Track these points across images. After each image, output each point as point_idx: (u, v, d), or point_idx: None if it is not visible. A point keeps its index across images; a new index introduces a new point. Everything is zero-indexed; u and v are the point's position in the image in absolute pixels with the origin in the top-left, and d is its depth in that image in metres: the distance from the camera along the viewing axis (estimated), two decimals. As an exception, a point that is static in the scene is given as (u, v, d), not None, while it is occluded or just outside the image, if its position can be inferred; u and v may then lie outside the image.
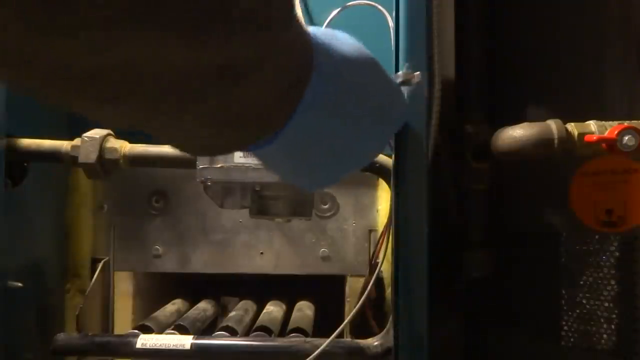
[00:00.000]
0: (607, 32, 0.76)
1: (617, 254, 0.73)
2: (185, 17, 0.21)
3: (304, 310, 0.90)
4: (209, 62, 0.23)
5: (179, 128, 0.28)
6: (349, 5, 0.76)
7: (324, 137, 0.34)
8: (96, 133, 0.68)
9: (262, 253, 0.86)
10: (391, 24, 0.63)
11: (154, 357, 0.69)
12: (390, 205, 0.65)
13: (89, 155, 0.67)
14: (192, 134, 0.29)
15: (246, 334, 0.78)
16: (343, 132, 0.35)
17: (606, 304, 0.73)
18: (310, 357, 0.65)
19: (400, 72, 0.54)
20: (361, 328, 0.76)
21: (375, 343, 0.68)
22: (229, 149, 0.32)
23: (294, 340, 0.70)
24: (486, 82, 0.85)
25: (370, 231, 0.85)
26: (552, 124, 0.67)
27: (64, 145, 0.69)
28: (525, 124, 0.70)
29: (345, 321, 0.68)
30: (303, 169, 0.36)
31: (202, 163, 0.64)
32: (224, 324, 0.78)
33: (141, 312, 0.88)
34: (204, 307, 0.91)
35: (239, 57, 0.24)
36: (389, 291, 0.80)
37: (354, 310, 0.69)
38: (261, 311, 0.89)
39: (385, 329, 0.68)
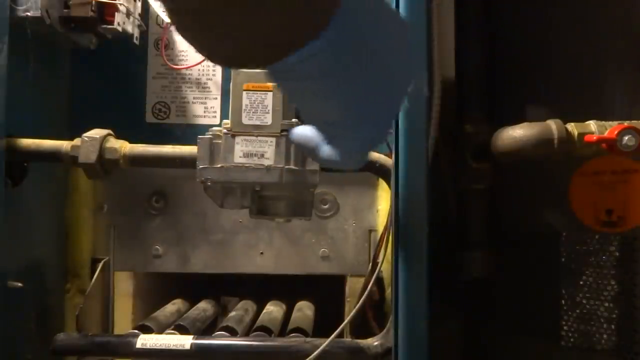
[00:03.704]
0: (607, 32, 0.76)
1: (617, 254, 0.73)
2: None
3: (304, 310, 0.90)
4: None
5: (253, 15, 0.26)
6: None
7: (366, 44, 0.32)
8: (96, 133, 0.68)
9: (262, 253, 0.86)
10: (391, 24, 0.63)
11: (154, 357, 0.69)
12: (390, 205, 0.65)
13: (89, 155, 0.67)
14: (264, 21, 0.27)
15: (246, 334, 0.78)
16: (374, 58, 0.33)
17: (606, 304, 0.73)
18: (310, 357, 0.65)
19: None
20: (361, 328, 0.76)
21: (375, 343, 0.68)
22: (296, 42, 0.29)
23: (294, 340, 0.70)
24: (486, 82, 0.85)
25: (370, 231, 0.85)
26: (552, 124, 0.67)
27: (64, 145, 0.69)
28: (525, 124, 0.70)
29: (345, 321, 0.68)
30: (350, 78, 0.32)
31: (202, 163, 0.64)
32: (224, 324, 0.78)
33: (141, 312, 0.88)
34: (204, 307, 0.91)
35: None
36: (389, 291, 0.80)
37: (354, 311, 0.69)
38: (261, 311, 0.89)
39: (385, 329, 0.68)
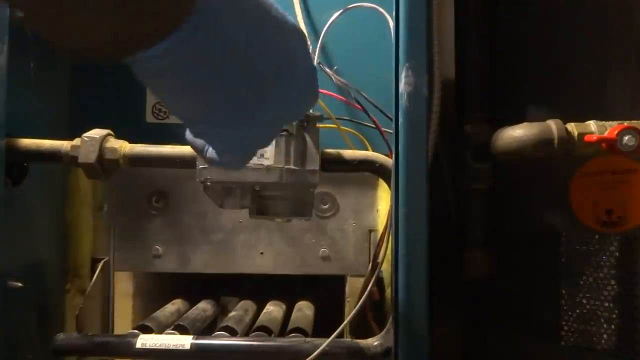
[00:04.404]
0: (607, 32, 0.76)
1: (617, 254, 0.73)
2: None
3: (304, 310, 0.90)
4: None
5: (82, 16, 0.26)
6: (350, 7, 0.76)
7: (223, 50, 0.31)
8: (96, 133, 0.68)
9: (262, 253, 0.86)
10: (391, 25, 0.63)
11: (154, 357, 0.69)
12: (390, 205, 0.65)
13: (89, 155, 0.67)
14: (96, 21, 0.26)
15: (246, 334, 0.78)
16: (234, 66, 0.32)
17: (606, 304, 0.73)
18: (310, 357, 0.65)
19: None
20: (361, 328, 0.76)
21: (375, 343, 0.68)
22: (136, 43, 0.29)
23: (293, 340, 0.70)
24: (486, 82, 0.85)
25: (370, 231, 0.85)
26: (552, 124, 0.67)
27: (64, 145, 0.69)
28: (525, 124, 0.70)
29: (346, 321, 0.68)
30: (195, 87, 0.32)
31: (202, 163, 0.64)
32: (224, 324, 0.78)
33: (141, 312, 0.88)
34: (204, 307, 0.91)
35: None
36: (389, 291, 0.80)
37: (354, 311, 0.69)
38: (261, 311, 0.89)
39: (385, 329, 0.68)
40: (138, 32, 0.28)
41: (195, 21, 0.29)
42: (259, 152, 0.63)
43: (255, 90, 0.34)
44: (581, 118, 0.67)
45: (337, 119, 0.79)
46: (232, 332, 0.75)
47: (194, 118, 0.35)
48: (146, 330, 0.75)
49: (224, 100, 0.34)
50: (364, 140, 0.81)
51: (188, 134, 0.40)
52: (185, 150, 0.68)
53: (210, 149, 0.39)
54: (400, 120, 0.59)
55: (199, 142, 0.40)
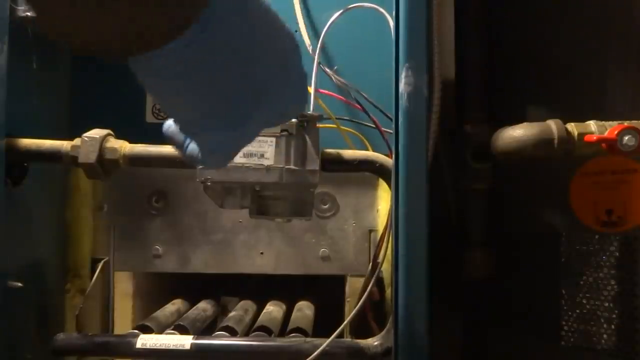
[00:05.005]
0: (607, 32, 0.76)
1: (617, 254, 0.73)
2: None
3: (304, 310, 0.90)
4: None
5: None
6: (350, 7, 0.76)
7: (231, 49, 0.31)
8: (96, 133, 0.68)
9: (262, 253, 0.86)
10: (391, 25, 0.63)
11: (154, 357, 0.69)
12: (390, 205, 0.65)
13: (89, 155, 0.67)
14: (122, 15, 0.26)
15: (246, 334, 0.78)
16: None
17: (606, 304, 0.73)
18: (310, 357, 0.65)
19: None
20: (361, 328, 0.76)
21: (375, 343, 0.68)
22: (149, 42, 0.29)
23: (294, 340, 0.70)
24: (486, 82, 0.85)
25: (370, 231, 0.85)
26: (552, 124, 0.67)
27: (64, 145, 0.69)
28: (525, 124, 0.70)
29: (346, 321, 0.68)
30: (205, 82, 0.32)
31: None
32: (224, 324, 0.78)
33: (141, 312, 0.88)
34: (204, 307, 0.91)
35: None
36: (389, 291, 0.80)
37: (354, 311, 0.69)
38: (261, 311, 0.89)
39: (385, 329, 0.68)
40: (152, 30, 0.28)
41: (204, 21, 0.29)
42: (259, 152, 0.63)
43: (253, 92, 0.34)
44: (581, 118, 0.67)
45: (337, 119, 0.79)
46: (232, 332, 0.75)
47: (190, 119, 0.35)
48: (146, 330, 0.75)
49: (223, 102, 0.34)
50: (364, 140, 0.81)
51: (167, 128, 0.39)
52: (185, 150, 0.68)
53: (191, 145, 0.38)
54: (400, 120, 0.59)
55: (179, 137, 0.39)
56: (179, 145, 0.39)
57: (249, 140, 0.39)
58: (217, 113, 0.34)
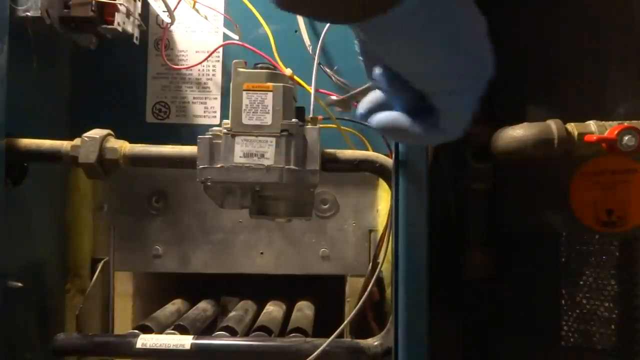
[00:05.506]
0: (607, 32, 0.76)
1: (617, 254, 0.73)
2: None
3: (304, 310, 0.90)
4: None
5: None
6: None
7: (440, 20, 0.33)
8: (96, 133, 0.68)
9: (262, 253, 0.86)
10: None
11: (154, 357, 0.69)
12: (390, 205, 0.65)
13: (89, 155, 0.67)
14: None
15: (246, 334, 0.78)
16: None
17: (606, 304, 0.73)
18: (311, 357, 0.65)
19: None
20: (361, 328, 0.76)
21: (375, 343, 0.68)
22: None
23: (294, 340, 0.70)
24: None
25: (370, 231, 0.85)
26: (552, 124, 0.67)
27: (64, 145, 0.69)
28: (525, 124, 0.70)
29: (346, 321, 0.68)
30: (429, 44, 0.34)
31: (202, 163, 0.64)
32: (224, 324, 0.78)
33: (141, 312, 0.88)
34: (204, 307, 0.91)
35: None
36: (389, 291, 0.80)
37: (354, 311, 0.69)
38: (261, 311, 0.89)
39: (385, 329, 0.68)
40: None
41: None
42: (259, 152, 0.63)
43: (477, 50, 0.38)
44: (581, 118, 0.67)
45: (337, 119, 0.79)
46: (232, 332, 0.75)
47: (438, 72, 0.36)
48: (146, 330, 0.75)
49: (457, 57, 0.36)
50: (364, 140, 0.81)
51: (379, 118, 0.39)
52: (185, 150, 0.68)
53: (418, 123, 0.39)
54: (400, 120, 0.59)
55: (401, 120, 0.39)
56: (402, 130, 0.39)
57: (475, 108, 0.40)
58: (462, 64, 0.37)
